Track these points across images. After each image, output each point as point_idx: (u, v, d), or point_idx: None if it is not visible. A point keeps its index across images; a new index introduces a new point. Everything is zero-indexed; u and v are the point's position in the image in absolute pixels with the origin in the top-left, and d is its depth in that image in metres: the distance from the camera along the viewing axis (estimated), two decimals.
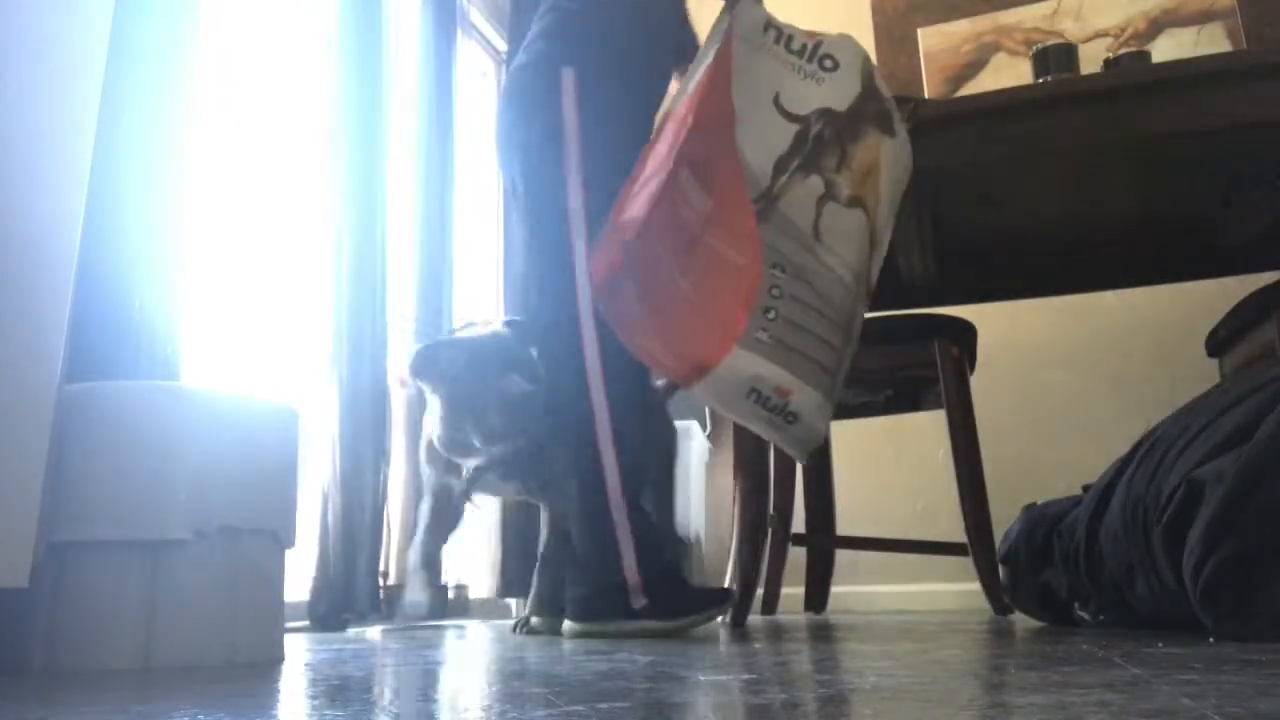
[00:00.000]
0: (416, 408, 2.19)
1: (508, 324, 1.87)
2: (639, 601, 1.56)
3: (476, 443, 1.72)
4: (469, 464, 1.81)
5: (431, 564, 1.95)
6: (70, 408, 1.10)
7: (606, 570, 1.59)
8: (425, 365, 1.78)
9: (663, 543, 1.69)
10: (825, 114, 1.47)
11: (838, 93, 1.48)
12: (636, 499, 1.63)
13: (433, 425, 1.80)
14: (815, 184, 1.45)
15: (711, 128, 1.44)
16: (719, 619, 1.77)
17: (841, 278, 1.44)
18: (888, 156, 1.50)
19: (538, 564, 1.94)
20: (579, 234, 1.61)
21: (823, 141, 1.46)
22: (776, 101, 1.47)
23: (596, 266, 1.47)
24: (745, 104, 1.46)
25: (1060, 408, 3.00)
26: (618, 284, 1.43)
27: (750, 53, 1.48)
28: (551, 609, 1.83)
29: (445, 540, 2.01)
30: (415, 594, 1.88)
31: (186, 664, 1.09)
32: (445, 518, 1.95)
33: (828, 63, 1.49)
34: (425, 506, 1.96)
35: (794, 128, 1.46)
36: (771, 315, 1.39)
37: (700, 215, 1.40)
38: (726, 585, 1.93)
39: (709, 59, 1.49)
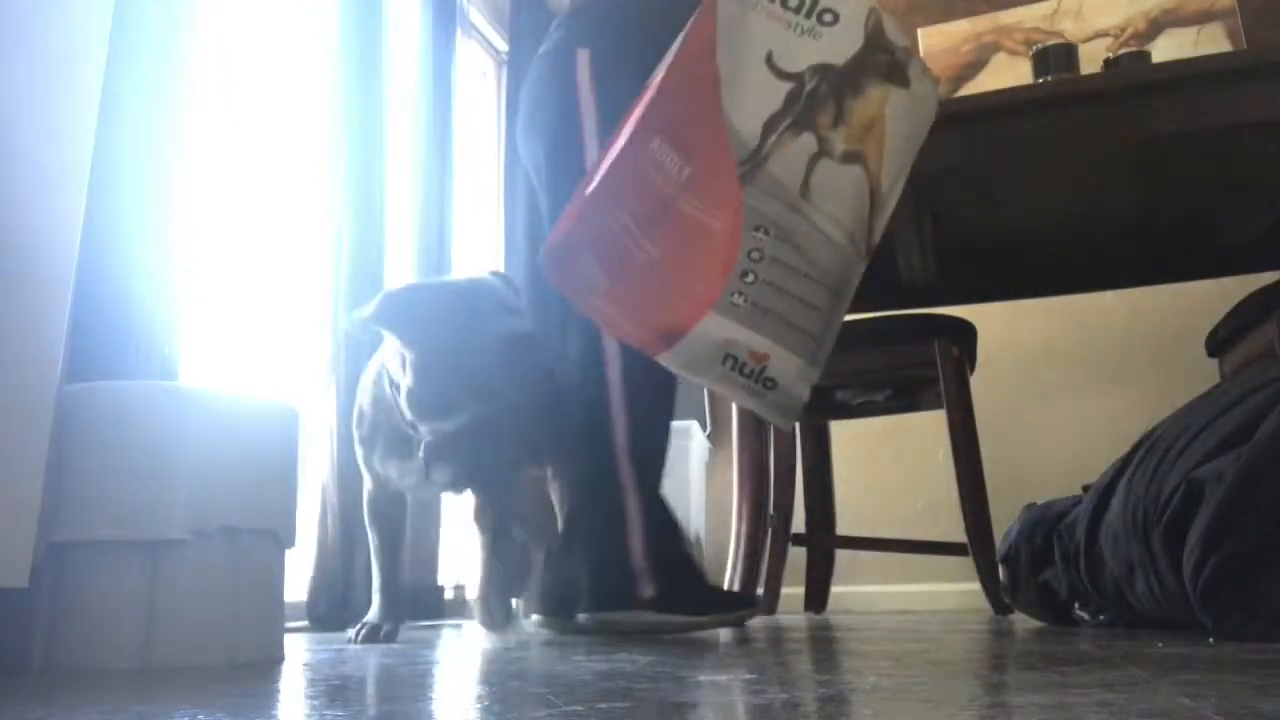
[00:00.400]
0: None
1: (494, 275, 1.65)
2: (646, 590, 1.48)
3: (466, 399, 1.40)
4: (432, 429, 1.45)
5: (393, 583, 1.63)
6: (70, 408, 1.10)
7: (613, 552, 1.51)
8: (396, 310, 1.42)
9: (679, 530, 1.59)
10: (821, 69, 1.40)
11: (836, 46, 1.41)
12: (651, 478, 1.55)
13: (399, 384, 1.46)
14: (807, 141, 1.39)
15: (687, 92, 1.40)
16: (743, 624, 1.65)
17: (831, 237, 1.39)
18: (896, 109, 1.43)
19: (541, 558, 1.83)
20: None
21: (817, 98, 1.39)
22: (769, 60, 1.40)
23: (551, 234, 1.43)
24: (734, 66, 1.40)
25: (1060, 408, 3.00)
26: (570, 251, 1.39)
27: (740, 12, 1.42)
28: (557, 606, 1.79)
29: (401, 550, 1.74)
30: (385, 620, 1.57)
31: (186, 664, 1.09)
32: (392, 521, 1.66)
33: (827, 16, 1.41)
34: (367, 505, 1.66)
35: (786, 86, 1.40)
36: (749, 279, 1.34)
37: (676, 182, 1.36)
38: (747, 590, 1.79)
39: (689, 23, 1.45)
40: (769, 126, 1.38)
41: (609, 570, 1.51)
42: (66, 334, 1.07)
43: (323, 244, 2.18)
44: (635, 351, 1.50)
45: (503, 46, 3.20)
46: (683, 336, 1.34)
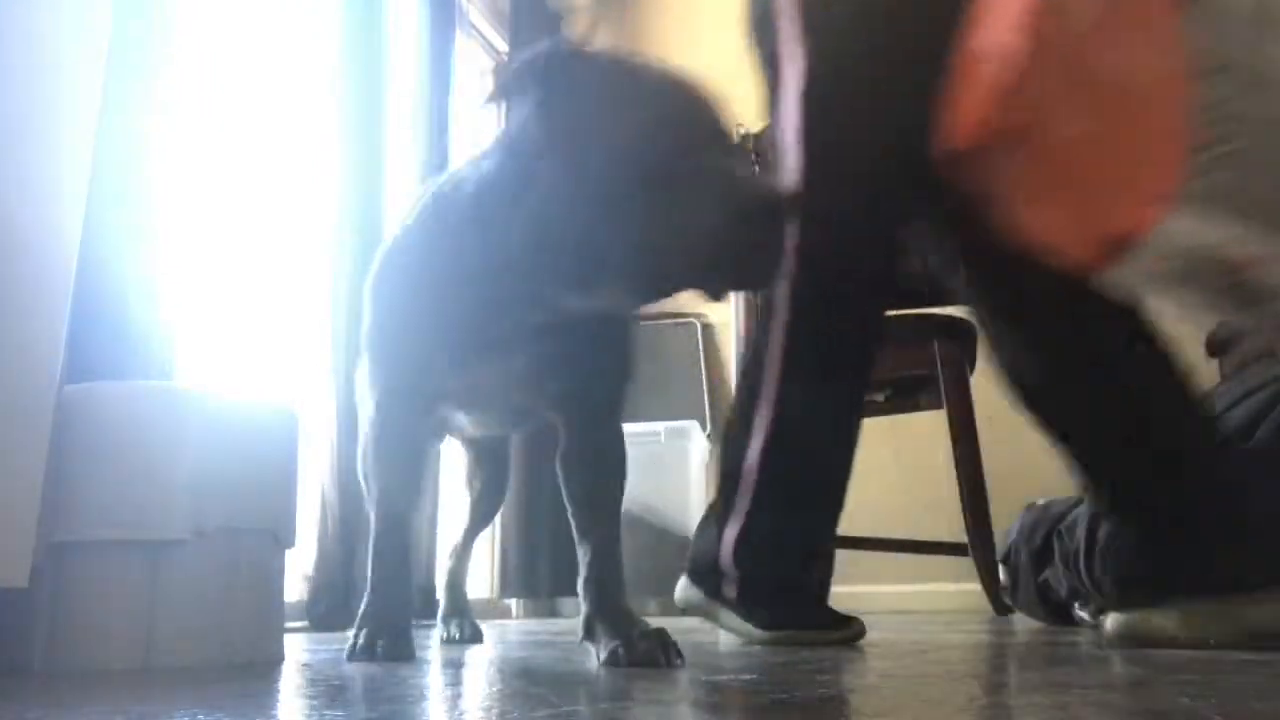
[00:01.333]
0: None
1: None
2: (730, 590, 1.39)
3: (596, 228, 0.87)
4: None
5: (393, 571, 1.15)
6: (70, 408, 1.09)
7: (709, 542, 1.43)
8: (577, 71, 0.91)
9: (798, 549, 1.45)
10: None
11: None
12: (775, 488, 1.41)
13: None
14: None
15: None
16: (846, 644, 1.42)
17: None
18: None
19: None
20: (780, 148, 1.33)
21: None
22: None
23: (957, 122, 1.08)
24: None
25: None
26: (984, 141, 1.06)
27: None
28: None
29: (412, 521, 1.22)
30: (380, 627, 1.12)
31: (186, 664, 1.09)
32: (409, 470, 1.17)
33: None
34: (374, 448, 1.16)
35: None
36: (1213, 151, 0.96)
37: (1088, 20, 0.99)
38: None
39: None
40: None
41: (705, 557, 1.44)
42: (66, 334, 1.07)
43: (322, 245, 2.18)
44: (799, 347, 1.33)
45: (503, 46, 3.20)
46: (1132, 245, 1.00)
